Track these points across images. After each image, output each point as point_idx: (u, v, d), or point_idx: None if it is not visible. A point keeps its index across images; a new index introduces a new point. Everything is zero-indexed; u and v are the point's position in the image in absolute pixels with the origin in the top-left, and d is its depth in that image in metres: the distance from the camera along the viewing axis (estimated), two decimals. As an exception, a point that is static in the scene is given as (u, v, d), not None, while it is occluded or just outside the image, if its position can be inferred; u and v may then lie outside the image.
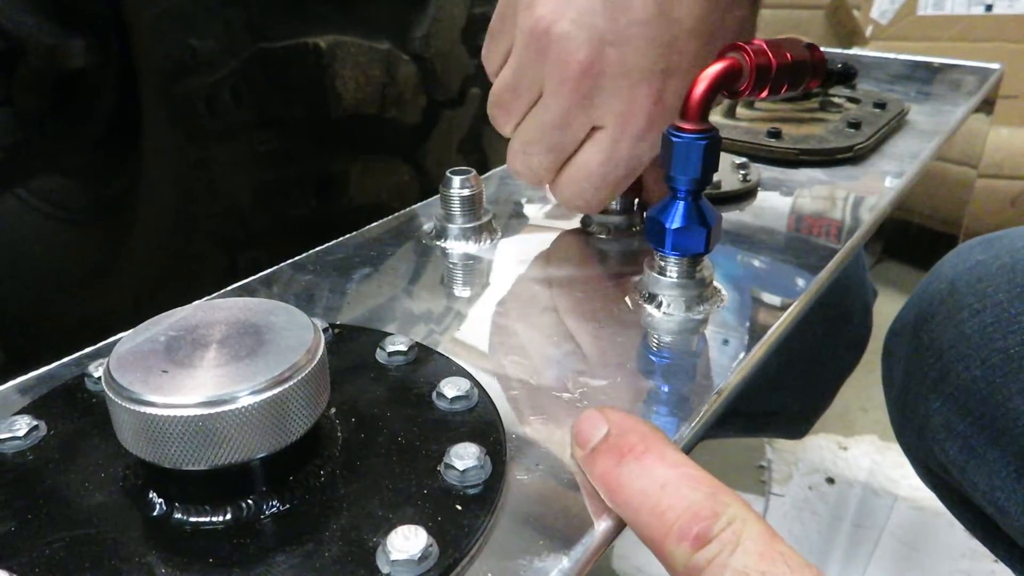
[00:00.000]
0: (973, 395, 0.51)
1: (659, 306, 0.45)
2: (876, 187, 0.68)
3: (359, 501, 0.30)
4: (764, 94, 0.44)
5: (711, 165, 0.42)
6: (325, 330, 0.40)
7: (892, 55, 1.15)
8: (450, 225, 0.55)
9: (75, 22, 0.98)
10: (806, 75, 0.46)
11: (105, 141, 1.08)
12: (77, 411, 0.35)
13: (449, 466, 0.31)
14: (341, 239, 0.56)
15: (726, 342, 0.43)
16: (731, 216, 0.61)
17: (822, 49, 0.48)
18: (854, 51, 1.52)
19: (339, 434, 0.33)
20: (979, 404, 0.51)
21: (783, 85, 0.44)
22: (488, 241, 0.55)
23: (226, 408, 0.26)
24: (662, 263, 0.45)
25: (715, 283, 0.47)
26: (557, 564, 0.28)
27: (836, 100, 0.84)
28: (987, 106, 1.04)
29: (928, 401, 0.55)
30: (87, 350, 0.42)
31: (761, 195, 0.65)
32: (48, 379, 0.40)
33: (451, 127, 1.10)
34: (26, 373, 0.40)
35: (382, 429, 0.34)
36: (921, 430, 0.57)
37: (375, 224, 0.59)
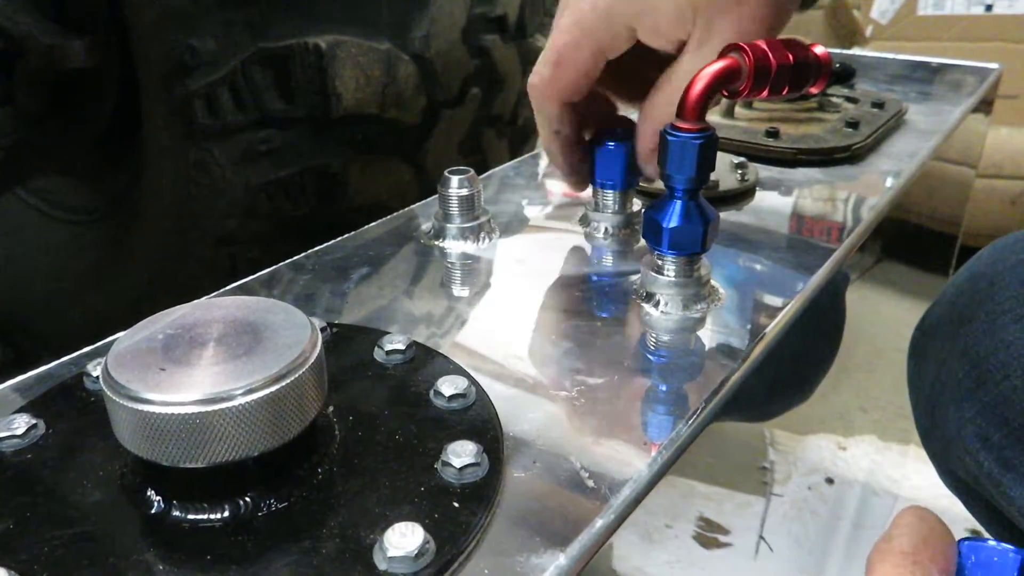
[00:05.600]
0: (1012, 406, 0.49)
1: (657, 305, 0.46)
2: (874, 187, 0.68)
3: (356, 498, 0.30)
4: (764, 94, 0.44)
5: (707, 164, 0.42)
6: (323, 329, 0.41)
7: (891, 55, 1.15)
8: (448, 225, 0.55)
9: (75, 22, 0.98)
10: (809, 77, 0.46)
11: (105, 141, 1.08)
12: (75, 410, 0.35)
13: (446, 464, 0.31)
14: (340, 239, 0.56)
15: (724, 341, 0.43)
16: (729, 215, 0.61)
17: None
18: (854, 51, 1.52)
19: (337, 432, 0.33)
20: (1018, 415, 0.48)
21: (784, 86, 0.44)
22: (486, 241, 0.55)
23: (223, 406, 0.26)
24: (659, 262, 0.45)
25: (713, 282, 0.47)
26: (554, 561, 0.29)
27: (834, 100, 0.85)
28: (986, 106, 1.04)
29: (961, 408, 0.53)
30: (85, 349, 0.42)
31: (759, 195, 0.65)
32: (47, 378, 0.40)
33: (451, 127, 1.10)
34: (25, 372, 0.40)
35: (380, 427, 0.34)
36: (951, 437, 0.55)
37: (374, 224, 0.59)
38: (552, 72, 0.50)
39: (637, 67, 0.50)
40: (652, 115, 0.49)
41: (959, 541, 0.28)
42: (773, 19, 0.46)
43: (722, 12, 0.44)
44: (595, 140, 0.53)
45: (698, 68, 0.44)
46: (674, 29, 0.46)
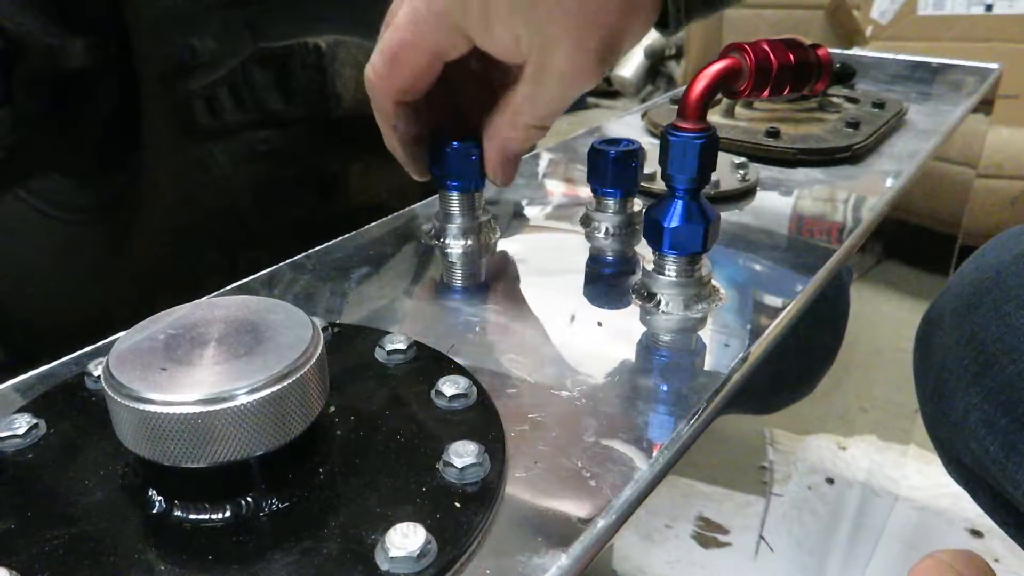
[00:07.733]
0: (1018, 391, 0.49)
1: (658, 305, 0.46)
2: (875, 187, 0.68)
3: (358, 499, 0.30)
4: (765, 94, 0.44)
5: (708, 164, 0.42)
6: (324, 329, 0.41)
7: (891, 55, 1.15)
8: (449, 225, 0.55)
9: (75, 22, 0.98)
10: (810, 77, 0.46)
11: (105, 141, 1.08)
12: (77, 409, 0.35)
13: (448, 464, 0.31)
14: (341, 239, 0.56)
15: (724, 341, 0.43)
16: (729, 215, 0.61)
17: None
18: (854, 51, 1.52)
19: (338, 432, 0.33)
20: None
21: (785, 86, 0.44)
22: (487, 240, 0.55)
23: (225, 406, 0.26)
24: (660, 262, 0.45)
25: (713, 282, 0.47)
26: (556, 562, 0.29)
27: (835, 100, 0.85)
28: (986, 106, 1.04)
29: (968, 395, 0.53)
30: (86, 349, 0.42)
31: (760, 195, 0.65)
32: (48, 378, 0.40)
33: (451, 127, 1.10)
34: (26, 372, 0.40)
35: (381, 427, 0.34)
36: (957, 424, 0.55)
37: (375, 224, 0.59)
38: (387, 69, 0.47)
39: (484, 70, 0.49)
40: (494, 137, 0.48)
41: None
42: (606, 51, 0.44)
43: (555, 48, 0.43)
44: (438, 137, 0.52)
45: (534, 97, 0.44)
46: (508, 53, 0.44)
